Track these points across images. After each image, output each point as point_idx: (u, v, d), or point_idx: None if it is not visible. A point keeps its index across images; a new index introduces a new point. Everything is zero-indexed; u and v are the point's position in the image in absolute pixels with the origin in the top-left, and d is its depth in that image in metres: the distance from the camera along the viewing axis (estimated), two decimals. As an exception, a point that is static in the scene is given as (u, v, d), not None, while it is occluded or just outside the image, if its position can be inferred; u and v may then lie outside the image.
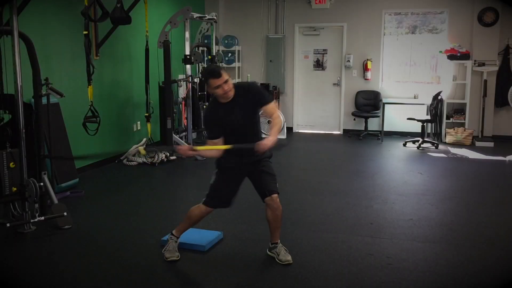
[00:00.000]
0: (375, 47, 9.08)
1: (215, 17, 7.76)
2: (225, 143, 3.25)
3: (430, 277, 3.24)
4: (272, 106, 3.34)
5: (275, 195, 3.37)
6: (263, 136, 3.36)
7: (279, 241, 3.52)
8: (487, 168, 6.63)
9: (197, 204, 3.47)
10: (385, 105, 8.63)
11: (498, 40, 8.37)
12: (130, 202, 5.02)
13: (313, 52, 9.53)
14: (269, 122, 8.86)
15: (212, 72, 3.16)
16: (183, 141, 7.12)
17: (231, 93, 3.20)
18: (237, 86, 3.27)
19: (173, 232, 3.54)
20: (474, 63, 8.40)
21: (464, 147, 7.97)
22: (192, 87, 7.29)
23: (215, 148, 3.22)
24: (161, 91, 7.03)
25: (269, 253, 3.55)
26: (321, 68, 9.54)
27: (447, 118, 8.55)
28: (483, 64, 8.34)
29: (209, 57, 8.02)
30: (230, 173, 3.37)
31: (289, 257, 3.44)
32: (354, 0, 9.08)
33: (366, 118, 8.98)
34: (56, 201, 4.34)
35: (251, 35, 9.66)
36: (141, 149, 3.52)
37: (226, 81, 3.14)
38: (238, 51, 9.64)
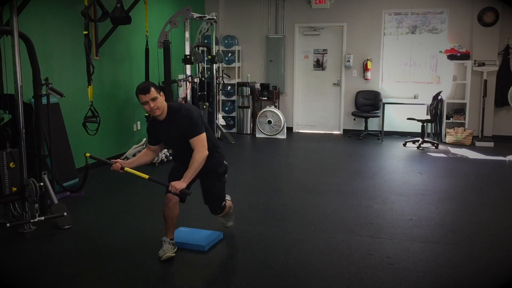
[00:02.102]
0: (375, 47, 9.09)
1: (215, 17, 7.76)
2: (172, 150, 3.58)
3: (430, 277, 3.24)
4: (196, 140, 3.33)
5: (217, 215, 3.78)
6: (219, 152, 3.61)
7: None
8: (487, 168, 6.63)
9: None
10: (385, 105, 8.63)
11: (498, 40, 8.37)
12: (130, 202, 5.02)
13: (313, 52, 9.53)
14: (269, 122, 8.88)
15: (141, 88, 3.29)
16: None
17: (159, 112, 3.33)
18: (170, 108, 3.39)
19: (166, 236, 3.54)
20: (474, 63, 8.40)
21: (464, 147, 7.97)
22: (192, 87, 7.29)
23: (137, 174, 3.41)
24: (161, 91, 7.03)
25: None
26: (321, 68, 9.54)
27: (447, 118, 8.55)
28: (483, 64, 8.35)
29: (209, 57, 8.02)
30: (180, 164, 3.53)
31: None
32: (354, 0, 9.08)
33: (366, 118, 8.98)
34: (56, 201, 4.34)
35: (251, 35, 9.67)
36: (87, 154, 3.63)
37: (154, 99, 3.26)
38: (238, 51, 9.64)
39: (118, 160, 3.51)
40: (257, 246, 3.73)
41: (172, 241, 3.53)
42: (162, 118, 3.38)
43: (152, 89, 3.26)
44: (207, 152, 3.35)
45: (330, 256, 3.56)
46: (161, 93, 3.36)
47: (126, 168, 3.43)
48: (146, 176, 3.38)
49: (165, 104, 3.37)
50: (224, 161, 3.66)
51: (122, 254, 3.61)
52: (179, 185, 3.27)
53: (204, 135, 3.38)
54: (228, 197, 4.02)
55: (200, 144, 3.34)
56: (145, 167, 6.47)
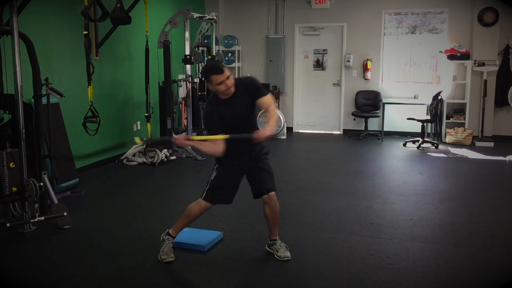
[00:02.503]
0: (375, 47, 9.09)
1: (215, 17, 7.76)
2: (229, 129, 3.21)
3: (430, 277, 3.24)
4: (268, 99, 3.29)
5: (273, 193, 3.41)
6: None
7: (277, 237, 3.56)
8: (487, 168, 6.63)
9: (195, 201, 3.46)
10: (385, 105, 8.63)
11: (498, 40, 8.38)
12: (130, 202, 5.02)
13: (313, 52, 9.53)
14: (269, 122, 8.87)
15: (214, 68, 3.17)
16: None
17: (233, 89, 3.21)
18: (237, 81, 3.27)
19: (170, 231, 3.50)
20: (474, 63, 8.40)
21: (464, 147, 7.97)
22: (192, 87, 7.29)
23: (211, 138, 3.17)
24: (161, 91, 7.03)
25: (268, 249, 3.58)
26: (321, 68, 9.54)
27: (447, 118, 8.55)
28: (483, 64, 8.35)
29: (209, 57, 8.02)
30: (231, 169, 3.38)
31: (288, 254, 3.46)
32: (354, 0, 9.08)
33: (366, 118, 8.98)
34: (56, 201, 4.34)
35: (251, 35, 9.67)
36: (137, 139, 3.32)
37: (228, 77, 3.15)
38: (238, 51, 9.64)
39: (180, 135, 3.25)
40: (257, 246, 3.73)
41: (174, 241, 3.52)
42: (231, 94, 3.22)
43: (224, 68, 3.14)
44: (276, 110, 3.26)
45: (330, 256, 3.56)
46: (228, 70, 3.22)
47: (193, 137, 3.25)
48: (227, 136, 3.14)
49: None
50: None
51: (122, 254, 3.61)
52: (264, 131, 3.10)
53: (270, 95, 3.31)
54: None
55: (271, 101, 3.28)
56: (145, 166, 6.49)
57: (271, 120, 3.24)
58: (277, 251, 3.50)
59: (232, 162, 3.35)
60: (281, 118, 8.88)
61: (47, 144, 4.77)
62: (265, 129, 3.14)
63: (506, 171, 6.55)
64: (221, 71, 3.12)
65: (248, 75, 9.42)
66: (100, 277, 3.26)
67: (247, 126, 3.31)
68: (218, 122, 3.23)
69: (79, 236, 3.98)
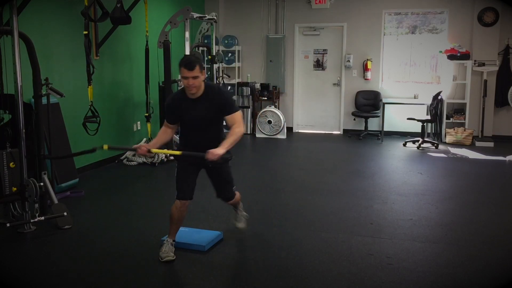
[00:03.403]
0: (375, 47, 9.09)
1: (215, 17, 7.76)
2: (183, 134, 3.51)
3: (430, 277, 3.24)
4: (235, 117, 3.35)
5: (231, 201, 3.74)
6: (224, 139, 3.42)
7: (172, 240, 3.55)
8: (487, 168, 6.63)
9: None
10: (385, 105, 8.63)
11: (498, 40, 8.37)
12: (130, 202, 5.02)
13: (313, 52, 9.53)
14: (269, 122, 8.88)
15: (187, 61, 3.24)
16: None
17: (195, 91, 3.28)
18: (208, 87, 3.35)
19: (168, 236, 3.54)
20: (474, 63, 8.40)
21: (464, 147, 7.97)
22: (192, 87, 7.28)
23: (167, 152, 3.38)
24: (161, 91, 7.03)
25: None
26: (321, 68, 9.54)
27: (447, 118, 8.55)
28: (483, 64, 8.35)
29: (209, 57, 8.02)
30: (186, 164, 3.44)
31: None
32: (354, 0, 9.08)
33: (366, 118, 8.98)
34: (56, 201, 4.34)
35: (251, 35, 9.67)
36: (105, 146, 3.46)
37: (195, 77, 3.21)
38: (238, 51, 9.64)
39: (140, 144, 3.42)
40: (257, 246, 3.73)
41: (174, 242, 3.53)
42: (196, 96, 3.31)
43: (197, 67, 3.20)
44: (243, 129, 3.37)
45: (330, 256, 3.56)
46: (203, 72, 3.31)
47: (153, 150, 3.37)
48: (179, 152, 3.34)
49: (203, 84, 3.32)
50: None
51: (122, 254, 3.61)
52: (217, 151, 3.18)
53: (240, 113, 3.40)
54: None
55: (239, 119, 3.35)
56: (146, 166, 6.49)
57: (228, 139, 3.29)
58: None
59: (185, 160, 3.44)
60: (281, 118, 8.88)
61: (47, 144, 4.77)
62: (218, 149, 3.20)
63: (506, 171, 6.55)
64: (191, 68, 3.19)
65: (248, 76, 9.47)
66: (100, 277, 3.26)
67: (208, 132, 3.39)
68: (177, 115, 3.41)
69: (79, 236, 3.99)
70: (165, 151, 3.42)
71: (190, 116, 3.36)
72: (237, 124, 3.33)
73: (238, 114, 3.37)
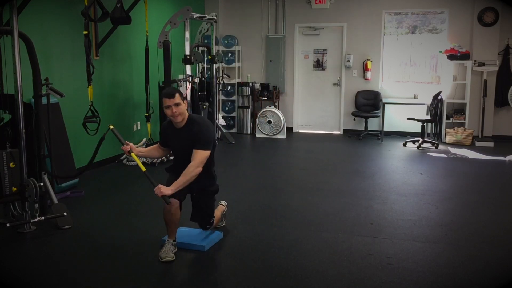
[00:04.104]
0: (375, 47, 9.09)
1: (215, 17, 7.76)
2: (173, 157, 3.73)
3: (430, 277, 3.24)
4: (199, 153, 3.41)
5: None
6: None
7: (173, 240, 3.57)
8: (487, 168, 6.63)
9: None
10: (385, 105, 8.63)
11: (498, 40, 8.38)
12: (130, 202, 5.02)
13: (313, 52, 9.53)
14: (269, 122, 8.88)
15: (167, 92, 3.45)
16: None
17: (180, 118, 3.44)
18: (192, 118, 3.51)
19: (168, 237, 3.56)
20: (474, 63, 8.40)
21: (464, 147, 7.97)
22: (192, 87, 7.29)
23: (138, 163, 3.57)
24: (161, 91, 7.03)
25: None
26: (321, 68, 9.54)
27: (447, 118, 8.55)
28: (483, 64, 8.35)
29: (209, 57, 8.02)
30: (176, 176, 3.50)
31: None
32: (354, 0, 9.08)
33: (366, 118, 8.98)
34: (56, 201, 4.34)
35: (251, 35, 9.67)
36: (111, 126, 3.71)
37: (177, 104, 3.39)
38: (238, 51, 9.64)
39: (130, 144, 3.60)
40: (257, 246, 3.73)
41: (175, 242, 3.53)
42: (180, 126, 3.49)
43: (177, 95, 3.41)
44: (201, 169, 3.41)
45: (330, 256, 3.56)
46: (185, 101, 3.47)
47: (132, 153, 3.58)
48: (144, 169, 3.50)
49: (186, 112, 3.48)
50: (216, 182, 3.75)
51: (122, 254, 3.61)
52: (165, 189, 3.33)
53: (208, 153, 3.46)
54: (223, 202, 4.17)
55: (200, 158, 3.41)
56: (146, 166, 6.47)
57: (182, 178, 3.39)
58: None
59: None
60: (281, 118, 8.88)
61: (47, 144, 4.77)
62: (166, 188, 3.33)
63: (506, 171, 6.55)
64: (171, 96, 3.40)
65: (248, 75, 9.47)
66: (100, 277, 3.26)
67: (186, 161, 3.44)
68: (165, 140, 3.68)
69: (79, 236, 3.98)
70: (138, 160, 3.60)
71: (174, 144, 3.60)
72: (196, 162, 3.39)
73: (202, 153, 3.41)
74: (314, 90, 9.64)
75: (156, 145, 3.82)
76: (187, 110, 3.51)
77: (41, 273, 3.32)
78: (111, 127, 3.67)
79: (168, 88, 3.52)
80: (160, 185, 3.34)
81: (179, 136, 3.52)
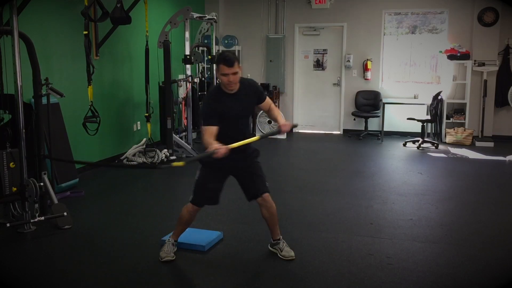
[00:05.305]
0: (375, 47, 9.09)
1: (215, 17, 7.76)
2: (219, 133, 3.18)
3: (430, 277, 3.24)
4: (268, 100, 3.51)
5: (267, 194, 3.45)
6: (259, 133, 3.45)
7: (281, 237, 3.57)
8: (487, 168, 6.63)
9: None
10: (385, 105, 8.63)
11: (498, 40, 8.38)
12: (130, 202, 5.02)
13: (313, 52, 9.53)
14: (269, 122, 8.88)
15: (225, 59, 3.17)
16: (183, 141, 7.13)
17: (235, 86, 3.25)
18: (241, 81, 3.32)
19: (171, 236, 3.56)
20: (474, 63, 8.40)
21: (464, 147, 7.97)
22: (192, 87, 7.29)
23: (245, 142, 3.23)
24: (161, 91, 7.03)
25: (271, 248, 3.60)
26: (321, 68, 9.54)
27: (447, 118, 8.55)
28: (483, 64, 8.35)
29: (209, 57, 8.02)
30: (215, 169, 3.37)
31: (292, 253, 3.48)
32: (354, 0, 9.08)
33: (366, 118, 8.98)
34: (56, 201, 4.34)
35: (251, 35, 9.67)
36: (181, 163, 3.02)
37: (235, 73, 3.18)
38: (238, 51, 9.64)
39: (216, 146, 3.04)
40: (257, 246, 3.73)
41: (175, 242, 3.54)
42: (234, 91, 3.27)
43: (236, 63, 3.18)
44: None
45: (330, 256, 3.56)
46: (240, 67, 3.31)
47: (231, 146, 3.09)
48: (257, 137, 3.37)
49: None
50: None
51: (122, 254, 3.61)
52: (287, 123, 3.37)
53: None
54: None
55: (273, 103, 3.55)
56: (146, 165, 6.49)
57: (279, 113, 3.50)
58: (281, 251, 3.51)
59: (215, 164, 3.26)
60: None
61: (47, 144, 4.77)
62: (285, 123, 3.36)
63: (506, 171, 6.55)
64: (231, 64, 3.15)
65: (248, 75, 9.47)
66: (100, 277, 3.26)
67: (243, 124, 3.42)
68: (218, 113, 3.22)
69: (79, 236, 3.98)
70: (243, 142, 3.20)
71: (231, 109, 3.26)
72: (272, 104, 3.53)
73: (268, 98, 3.55)
74: (314, 90, 9.64)
75: (208, 135, 3.17)
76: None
77: (41, 273, 3.32)
78: (182, 163, 2.99)
79: (225, 53, 3.25)
80: (281, 125, 3.36)
81: (235, 100, 3.27)
